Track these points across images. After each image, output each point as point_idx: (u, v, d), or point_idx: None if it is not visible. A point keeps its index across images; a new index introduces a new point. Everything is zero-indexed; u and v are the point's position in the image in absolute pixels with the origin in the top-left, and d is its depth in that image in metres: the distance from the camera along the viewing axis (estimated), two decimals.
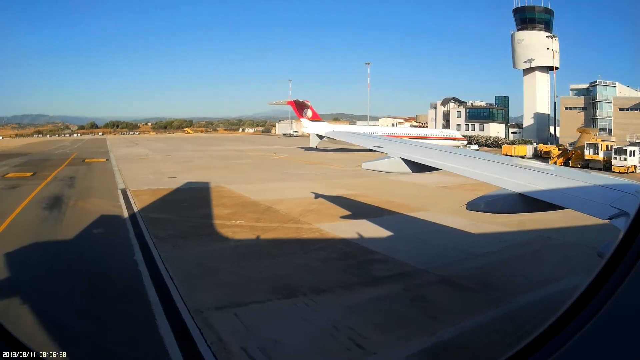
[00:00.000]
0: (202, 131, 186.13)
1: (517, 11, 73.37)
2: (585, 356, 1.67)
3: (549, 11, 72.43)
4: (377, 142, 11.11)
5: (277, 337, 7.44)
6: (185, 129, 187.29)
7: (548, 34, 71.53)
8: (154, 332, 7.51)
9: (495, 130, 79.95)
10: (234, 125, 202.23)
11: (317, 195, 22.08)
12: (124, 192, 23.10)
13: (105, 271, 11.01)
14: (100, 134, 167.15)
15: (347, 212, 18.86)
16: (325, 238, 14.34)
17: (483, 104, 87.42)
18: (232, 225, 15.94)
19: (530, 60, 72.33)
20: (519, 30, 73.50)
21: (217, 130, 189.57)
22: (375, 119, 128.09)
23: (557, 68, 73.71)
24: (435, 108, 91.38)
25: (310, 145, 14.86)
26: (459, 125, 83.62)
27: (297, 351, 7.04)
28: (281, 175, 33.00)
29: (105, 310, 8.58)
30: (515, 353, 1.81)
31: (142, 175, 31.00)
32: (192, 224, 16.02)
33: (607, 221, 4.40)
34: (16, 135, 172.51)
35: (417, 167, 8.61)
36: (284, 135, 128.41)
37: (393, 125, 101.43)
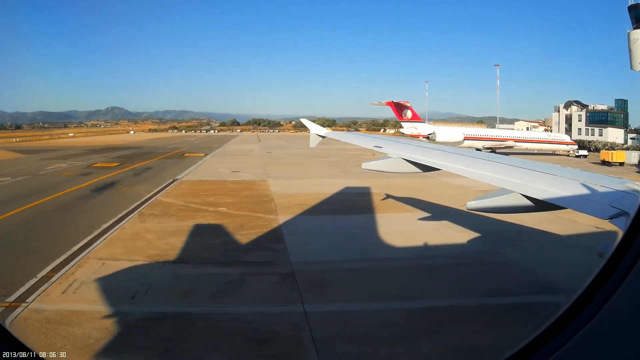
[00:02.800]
0: (343, 130, 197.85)
1: (631, 9, 66.96)
2: (585, 356, 1.76)
3: None
4: (377, 142, 11.87)
5: (101, 279, 11.31)
6: (326, 128, 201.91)
7: None
8: (48, 261, 12.36)
9: (614, 135, 76.81)
10: (378, 126, 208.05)
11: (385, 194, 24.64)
12: (173, 181, 29.65)
13: (69, 224, 17.20)
14: (239, 131, 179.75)
15: (333, 209, 21.08)
16: (266, 226, 17.23)
17: (604, 107, 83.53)
18: (213, 211, 20.21)
19: None
20: (634, 29, 67.03)
21: (359, 130, 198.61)
22: (512, 122, 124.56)
23: None
24: (558, 111, 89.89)
25: (310, 146, 16.99)
26: (580, 129, 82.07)
27: (95, 289, 10.70)
28: (340, 173, 35.84)
29: (40, 241, 14.46)
30: (515, 353, 1.91)
31: (213, 168, 38.14)
32: (184, 207, 20.90)
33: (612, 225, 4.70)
34: (149, 130, 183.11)
35: (418, 168, 9.21)
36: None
37: (528, 129, 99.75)
